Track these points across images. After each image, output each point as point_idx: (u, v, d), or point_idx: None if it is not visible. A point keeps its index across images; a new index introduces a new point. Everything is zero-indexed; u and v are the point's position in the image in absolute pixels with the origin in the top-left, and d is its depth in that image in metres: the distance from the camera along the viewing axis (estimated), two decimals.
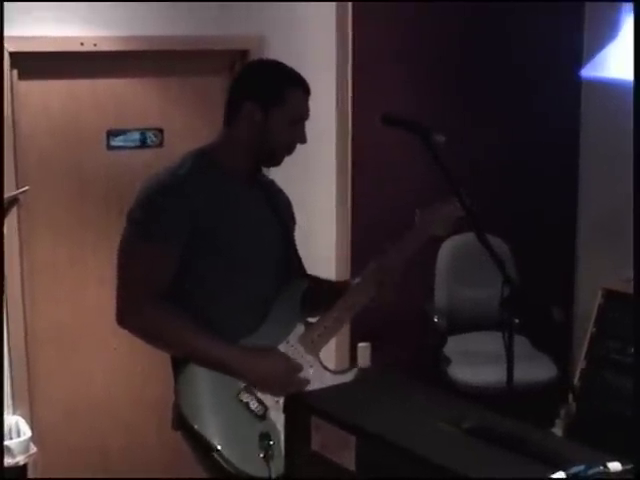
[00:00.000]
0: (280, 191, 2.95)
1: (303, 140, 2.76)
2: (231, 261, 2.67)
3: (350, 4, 4.62)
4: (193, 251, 2.61)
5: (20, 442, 4.02)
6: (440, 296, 4.92)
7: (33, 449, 4.07)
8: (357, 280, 2.87)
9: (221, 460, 2.50)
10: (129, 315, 2.63)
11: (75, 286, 4.39)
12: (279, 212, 2.84)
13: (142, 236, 2.61)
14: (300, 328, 2.77)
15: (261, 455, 2.48)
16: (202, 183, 2.65)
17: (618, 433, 3.20)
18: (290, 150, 2.76)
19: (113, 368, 4.49)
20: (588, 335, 4.60)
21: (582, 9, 5.07)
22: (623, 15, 4.51)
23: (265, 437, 2.50)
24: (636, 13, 3.68)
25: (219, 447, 2.51)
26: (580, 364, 4.58)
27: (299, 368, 2.71)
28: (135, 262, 2.62)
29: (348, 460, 1.94)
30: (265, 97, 2.69)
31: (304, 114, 2.75)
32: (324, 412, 2.02)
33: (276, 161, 2.78)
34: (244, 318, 2.70)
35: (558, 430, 4.46)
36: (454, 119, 4.75)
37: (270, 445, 2.49)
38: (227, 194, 2.69)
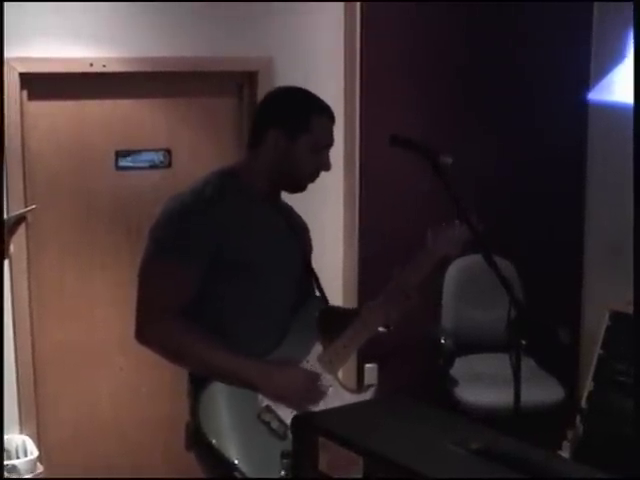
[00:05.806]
0: (298, 216, 2.94)
1: (327, 167, 2.75)
2: (252, 282, 2.66)
3: (358, 24, 4.64)
4: (215, 271, 2.60)
5: (27, 461, 4.03)
6: (447, 317, 4.91)
7: (40, 468, 4.07)
8: (374, 303, 2.86)
9: (239, 475, 2.50)
10: (147, 330, 2.62)
11: (82, 305, 4.40)
12: (298, 236, 2.85)
13: (164, 256, 2.61)
14: (318, 348, 2.77)
15: (282, 473, 2.48)
16: (225, 204, 2.64)
17: (626, 455, 3.19)
18: (314, 177, 2.75)
19: (119, 388, 4.49)
20: (595, 357, 4.58)
21: (589, 33, 5.08)
22: (630, 39, 4.51)
23: (287, 455, 2.49)
24: (636, 31, 3.70)
25: (236, 461, 2.51)
26: (587, 386, 4.56)
27: (318, 379, 2.71)
28: (155, 281, 2.62)
29: None
30: (291, 124, 2.68)
31: (329, 141, 2.74)
32: (331, 432, 2.02)
33: (300, 187, 2.77)
34: (263, 338, 2.69)
35: (566, 452, 4.44)
36: (460, 139, 4.74)
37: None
38: (250, 215, 2.69)
